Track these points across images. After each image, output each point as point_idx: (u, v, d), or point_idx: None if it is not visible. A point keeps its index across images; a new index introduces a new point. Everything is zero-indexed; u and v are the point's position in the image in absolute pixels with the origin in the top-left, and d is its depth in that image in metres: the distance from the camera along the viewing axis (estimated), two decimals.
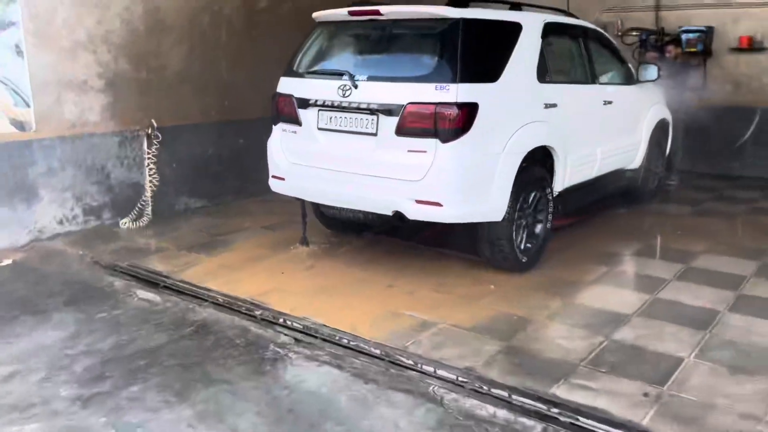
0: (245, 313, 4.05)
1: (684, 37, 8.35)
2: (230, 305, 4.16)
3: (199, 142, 6.40)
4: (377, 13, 4.40)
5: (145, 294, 4.39)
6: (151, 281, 4.58)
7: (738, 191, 7.71)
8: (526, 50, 4.62)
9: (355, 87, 4.34)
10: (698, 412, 2.93)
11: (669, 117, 6.97)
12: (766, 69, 8.24)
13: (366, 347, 3.56)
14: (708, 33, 8.28)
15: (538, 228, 4.84)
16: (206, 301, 4.24)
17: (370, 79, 4.35)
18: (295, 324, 3.86)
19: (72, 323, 3.92)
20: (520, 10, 4.98)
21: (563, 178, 5.03)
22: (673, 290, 4.43)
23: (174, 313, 4.08)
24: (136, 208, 5.86)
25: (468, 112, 4.10)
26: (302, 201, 5.03)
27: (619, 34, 8.84)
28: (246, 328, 3.87)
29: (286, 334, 3.76)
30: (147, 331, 3.83)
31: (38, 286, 4.51)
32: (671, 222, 6.31)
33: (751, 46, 8.18)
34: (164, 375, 3.31)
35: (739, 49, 8.31)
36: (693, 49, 8.33)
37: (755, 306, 4.12)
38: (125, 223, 5.78)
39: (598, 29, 6.03)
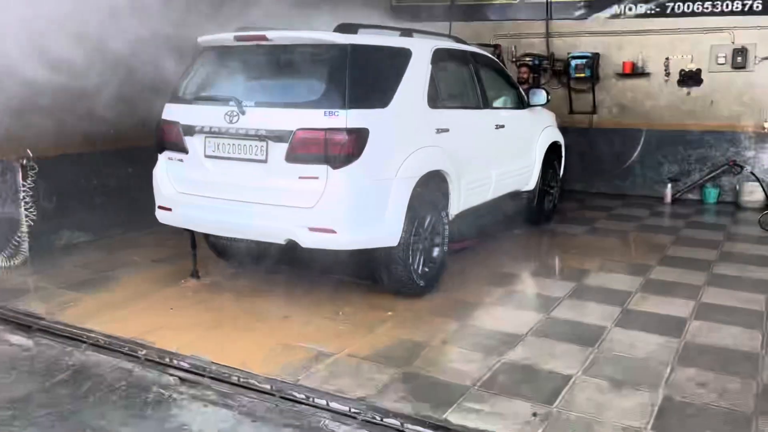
0: (128, 354, 3.85)
1: (573, 62, 8.85)
2: (112, 346, 3.94)
3: (83, 172, 6.10)
4: (264, 38, 4.38)
5: (15, 338, 4.10)
6: (24, 324, 4.28)
7: (628, 209, 8.19)
8: (416, 76, 4.73)
9: (243, 113, 4.28)
10: (585, 429, 3.03)
11: (561, 139, 7.31)
12: (649, 93, 8.87)
13: (256, 383, 3.46)
14: (594, 59, 8.81)
15: (435, 251, 4.91)
16: (85, 342, 4.00)
17: (258, 104, 4.31)
18: (181, 363, 3.70)
19: None
20: (411, 36, 5.11)
21: (458, 202, 5.15)
22: (565, 308, 4.60)
23: (47, 358, 3.83)
24: (11, 245, 5.49)
25: (358, 137, 4.13)
26: (192, 232, 4.89)
27: (513, 59, 9.25)
28: (128, 370, 3.68)
29: (171, 374, 3.61)
30: (14, 379, 3.56)
31: None
32: (567, 241, 6.60)
33: (633, 72, 8.78)
34: (33, 426, 3.08)
35: (623, 75, 8.90)
36: (582, 75, 8.84)
37: (639, 321, 4.35)
38: None
39: (489, 55, 6.28)
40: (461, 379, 3.50)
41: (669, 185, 8.72)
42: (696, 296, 4.85)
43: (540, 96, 6.50)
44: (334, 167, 4.11)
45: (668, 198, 8.66)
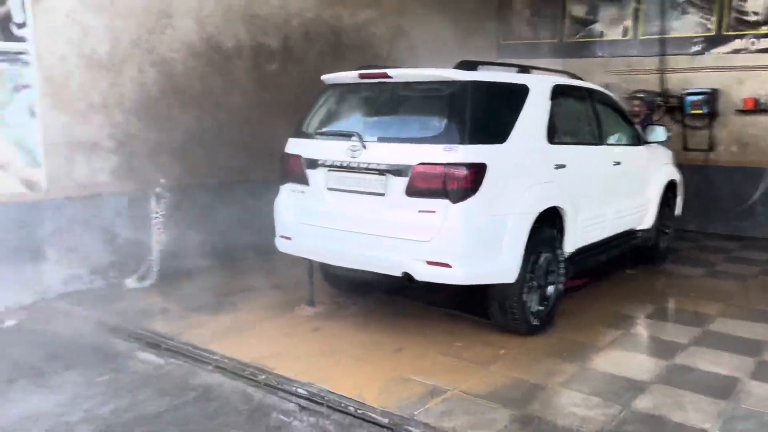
0: (249, 378, 3.90)
1: (688, 99, 8.40)
2: (234, 369, 4.01)
3: (209, 201, 6.36)
4: (386, 75, 4.42)
5: (147, 356, 4.26)
6: (154, 343, 4.45)
7: (749, 252, 7.57)
8: (535, 112, 4.61)
9: (364, 148, 4.31)
10: None
11: (678, 177, 6.91)
12: None
13: (373, 416, 3.40)
14: (712, 95, 8.32)
15: (550, 290, 4.71)
16: (210, 364, 4.10)
17: (380, 140, 4.32)
18: (300, 390, 3.70)
19: (71, 387, 3.78)
20: (528, 72, 5.00)
21: (574, 239, 4.93)
22: (691, 355, 4.26)
23: (176, 377, 3.94)
24: (143, 268, 5.77)
25: (476, 172, 4.04)
26: (310, 261, 4.94)
27: (625, 96, 8.88)
28: (250, 394, 3.72)
29: (291, 401, 3.61)
30: (148, 396, 3.68)
31: (39, 348, 4.38)
32: (684, 283, 6.16)
33: (756, 108, 8.20)
34: None
35: (744, 111, 8.33)
36: (698, 111, 8.36)
37: None
38: (131, 282, 5.68)
39: (605, 91, 6.04)
40: (583, 426, 3.29)
41: None
42: None
43: (658, 133, 6.19)
44: (453, 201, 4.04)
45: None
